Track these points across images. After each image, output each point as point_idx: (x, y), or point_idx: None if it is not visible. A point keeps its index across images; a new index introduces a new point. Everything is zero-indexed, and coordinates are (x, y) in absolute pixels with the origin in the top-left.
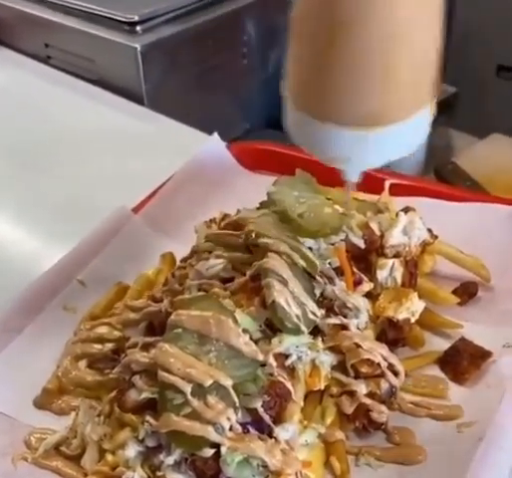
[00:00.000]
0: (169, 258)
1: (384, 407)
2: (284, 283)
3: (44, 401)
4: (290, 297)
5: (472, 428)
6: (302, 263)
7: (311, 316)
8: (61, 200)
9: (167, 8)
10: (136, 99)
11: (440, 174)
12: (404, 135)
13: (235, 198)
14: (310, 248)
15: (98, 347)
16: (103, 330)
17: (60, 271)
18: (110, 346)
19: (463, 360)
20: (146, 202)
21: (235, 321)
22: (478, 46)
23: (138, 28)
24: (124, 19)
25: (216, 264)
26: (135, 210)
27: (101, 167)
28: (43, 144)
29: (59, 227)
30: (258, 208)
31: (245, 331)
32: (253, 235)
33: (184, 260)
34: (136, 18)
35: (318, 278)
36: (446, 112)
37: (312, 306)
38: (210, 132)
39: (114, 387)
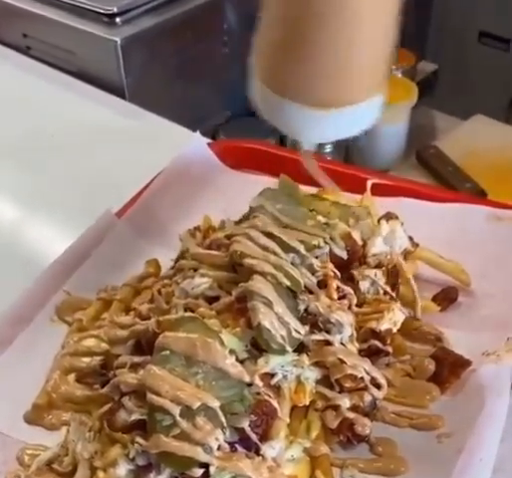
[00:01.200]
0: (154, 264)
1: (367, 420)
2: (269, 305)
3: (34, 417)
4: (275, 318)
5: (452, 439)
6: (286, 282)
7: (295, 334)
8: (32, 197)
9: None
10: (117, 91)
11: (422, 158)
12: (357, 117)
13: (220, 198)
14: (292, 263)
15: (86, 360)
16: (90, 342)
17: (46, 281)
18: (98, 359)
19: (443, 370)
20: (130, 205)
21: (221, 342)
22: (459, 13)
23: (118, 20)
24: (102, 11)
25: (202, 283)
26: (119, 214)
27: (81, 163)
28: (20, 137)
29: (31, 227)
30: (239, 221)
31: (231, 351)
32: (238, 255)
33: (169, 277)
34: (116, 10)
35: (301, 295)
36: (428, 92)
37: (296, 324)
38: (192, 123)
39: (103, 402)
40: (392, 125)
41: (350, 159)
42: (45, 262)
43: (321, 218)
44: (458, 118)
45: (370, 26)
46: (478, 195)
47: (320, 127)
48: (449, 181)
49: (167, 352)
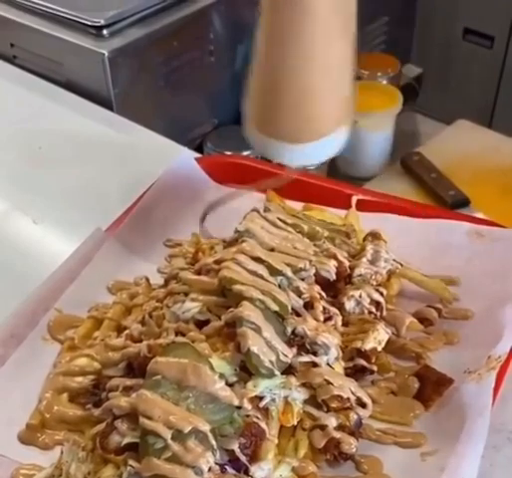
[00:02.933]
0: (145, 282)
1: (353, 439)
2: (258, 330)
3: (28, 437)
4: (263, 343)
5: (435, 457)
6: (274, 307)
7: (283, 358)
8: (19, 211)
9: (134, 9)
10: (105, 102)
11: (406, 165)
12: (328, 145)
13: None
14: (279, 286)
15: (78, 379)
16: (82, 362)
17: (38, 299)
18: (90, 378)
19: (427, 387)
20: (120, 221)
21: (211, 367)
22: (443, 10)
23: (105, 32)
24: (89, 23)
25: (192, 307)
26: (109, 230)
27: (68, 176)
28: (5, 148)
29: (19, 242)
30: (227, 244)
31: (221, 376)
32: (227, 281)
33: (160, 300)
34: (103, 21)
35: (289, 318)
36: (412, 96)
37: (284, 348)
38: (180, 131)
39: (96, 422)
40: (377, 133)
41: (335, 167)
42: (35, 278)
43: (306, 240)
44: (442, 120)
45: (336, 73)
46: (462, 203)
47: (298, 156)
48: (433, 189)
49: (159, 376)
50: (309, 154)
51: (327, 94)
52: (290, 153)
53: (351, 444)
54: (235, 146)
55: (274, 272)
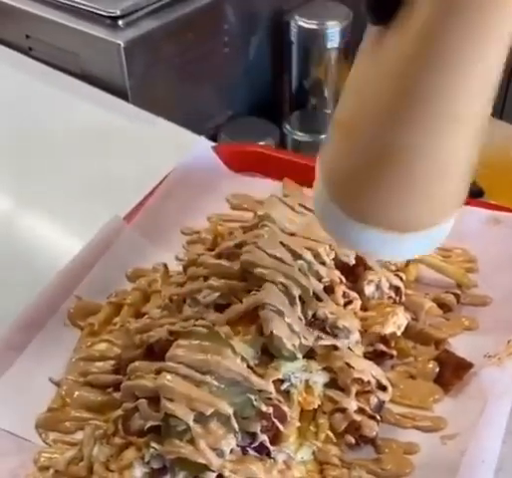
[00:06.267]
0: (163, 269)
1: (373, 422)
2: (280, 314)
3: (50, 421)
4: (286, 327)
5: (455, 440)
6: (296, 290)
7: (304, 341)
8: (36, 202)
9: (149, 0)
10: (120, 92)
11: None
12: (432, 238)
13: (226, 203)
14: (300, 270)
15: (99, 364)
16: (102, 347)
17: (57, 287)
18: (110, 363)
19: (446, 372)
20: (138, 210)
21: (233, 350)
22: None
23: (121, 22)
24: (105, 13)
25: (212, 291)
26: (127, 219)
27: (84, 166)
28: (21, 139)
29: (36, 232)
30: (247, 228)
31: (243, 358)
32: (249, 265)
33: (180, 284)
34: (118, 12)
35: (310, 302)
36: None
37: (305, 332)
38: (194, 122)
39: (117, 406)
40: None
41: None
42: (54, 266)
43: None
44: None
45: (464, 150)
46: (476, 194)
47: (390, 248)
48: None
49: (181, 359)
50: (406, 246)
51: (462, 165)
52: (383, 244)
53: (371, 427)
54: (249, 137)
55: (295, 256)
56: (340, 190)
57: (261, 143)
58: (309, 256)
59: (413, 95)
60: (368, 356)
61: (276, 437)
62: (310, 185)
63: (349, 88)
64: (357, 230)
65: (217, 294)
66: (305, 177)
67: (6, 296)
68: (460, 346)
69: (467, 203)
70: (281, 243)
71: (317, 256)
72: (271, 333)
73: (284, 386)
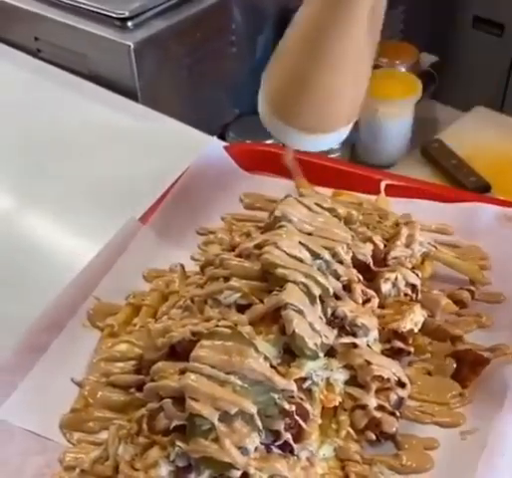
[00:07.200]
0: (180, 269)
1: (393, 419)
2: (301, 313)
3: (73, 421)
4: (307, 326)
5: (475, 435)
6: (317, 290)
7: (325, 340)
8: (55, 203)
9: (157, 1)
10: (129, 93)
11: (426, 152)
12: (331, 140)
13: (240, 202)
14: (319, 269)
15: (120, 365)
16: (123, 347)
17: (76, 288)
18: (131, 363)
19: (463, 368)
20: (153, 211)
21: (256, 349)
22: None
23: (130, 23)
24: (114, 15)
25: (234, 291)
26: (142, 220)
27: (96, 167)
28: (31, 140)
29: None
30: (264, 228)
31: (266, 358)
32: (269, 265)
33: (200, 285)
34: (127, 13)
35: (330, 301)
36: (430, 84)
37: (326, 330)
38: (202, 122)
39: (140, 406)
40: (398, 121)
41: (355, 155)
42: (68, 268)
43: (342, 224)
44: (457, 107)
45: (362, 75)
46: (483, 189)
47: (307, 145)
48: (454, 175)
49: (205, 360)
50: (317, 144)
51: (349, 93)
52: (302, 142)
53: (391, 424)
54: (257, 136)
55: (313, 256)
56: (274, 102)
57: (269, 142)
58: (327, 255)
59: (314, 41)
60: (385, 353)
61: (299, 435)
62: (322, 183)
63: (289, 29)
64: (284, 130)
65: (238, 294)
66: (315, 175)
67: (19, 297)
68: (476, 342)
69: (477, 199)
70: (300, 243)
71: (335, 255)
72: (293, 332)
73: (306, 385)
